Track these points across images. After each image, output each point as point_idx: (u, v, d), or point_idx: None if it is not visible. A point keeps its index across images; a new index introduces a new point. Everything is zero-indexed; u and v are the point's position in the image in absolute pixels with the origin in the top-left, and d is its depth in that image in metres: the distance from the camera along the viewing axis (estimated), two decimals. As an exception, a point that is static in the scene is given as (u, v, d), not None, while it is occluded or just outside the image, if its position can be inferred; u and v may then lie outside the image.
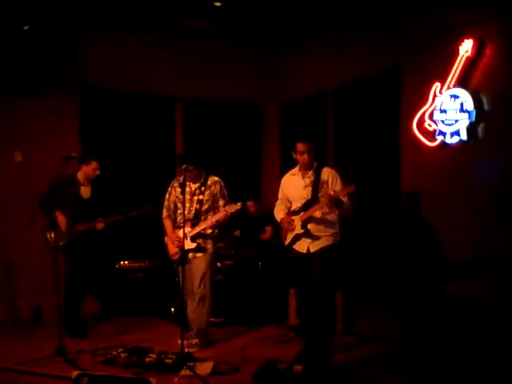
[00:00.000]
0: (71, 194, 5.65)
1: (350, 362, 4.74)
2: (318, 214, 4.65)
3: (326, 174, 4.72)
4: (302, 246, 4.71)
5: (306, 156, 4.71)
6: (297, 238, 4.73)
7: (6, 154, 6.63)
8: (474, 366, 4.56)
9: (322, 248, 4.65)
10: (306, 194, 4.71)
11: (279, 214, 4.92)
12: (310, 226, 4.66)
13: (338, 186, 4.64)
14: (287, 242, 4.80)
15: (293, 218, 4.75)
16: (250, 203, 6.99)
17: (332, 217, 4.70)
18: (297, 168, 4.87)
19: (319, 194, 4.65)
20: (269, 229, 6.73)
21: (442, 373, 4.53)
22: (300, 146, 4.72)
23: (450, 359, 4.80)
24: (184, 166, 5.09)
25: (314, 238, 4.66)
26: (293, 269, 4.83)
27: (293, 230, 4.73)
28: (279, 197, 5.02)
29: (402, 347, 5.13)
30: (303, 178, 4.78)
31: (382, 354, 4.98)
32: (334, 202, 4.48)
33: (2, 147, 6.60)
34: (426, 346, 5.08)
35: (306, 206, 4.68)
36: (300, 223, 4.68)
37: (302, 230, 4.67)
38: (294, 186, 4.84)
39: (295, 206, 4.81)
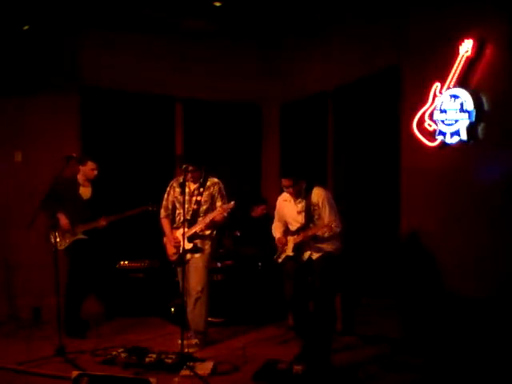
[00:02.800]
0: (70, 195, 5.67)
1: (351, 362, 4.75)
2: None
3: (316, 196, 4.78)
4: (304, 255, 4.81)
5: (290, 190, 4.80)
6: (288, 258, 4.85)
7: (6, 154, 6.63)
8: (475, 365, 4.56)
9: (323, 254, 4.76)
10: (301, 219, 4.81)
11: (276, 232, 5.06)
12: (307, 244, 4.76)
13: (325, 213, 4.72)
14: (280, 260, 4.93)
15: (288, 238, 4.88)
16: (261, 207, 6.98)
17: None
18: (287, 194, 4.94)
19: (314, 218, 4.76)
20: None
21: (443, 372, 4.53)
22: (283, 182, 4.81)
23: (451, 358, 4.80)
24: (184, 165, 5.11)
25: (315, 249, 4.76)
26: (287, 277, 4.88)
27: (285, 250, 4.88)
28: (275, 217, 5.13)
29: (403, 347, 5.13)
30: (295, 203, 4.87)
31: (382, 354, 4.98)
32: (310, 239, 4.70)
33: (1, 147, 6.59)
34: (427, 345, 5.08)
35: (301, 231, 4.80)
36: (292, 246, 4.80)
37: (293, 254, 4.81)
38: (288, 212, 4.95)
39: (292, 227, 4.94)
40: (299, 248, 4.79)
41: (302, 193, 4.83)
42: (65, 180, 5.51)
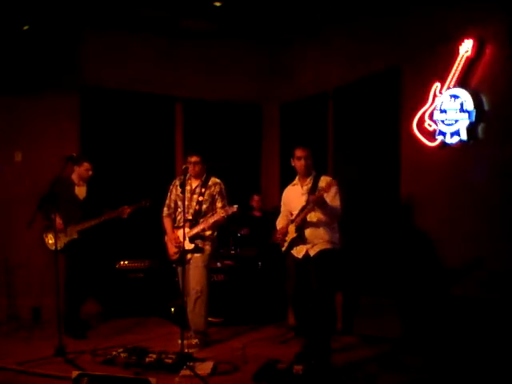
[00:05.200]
0: (66, 194, 5.65)
1: (351, 361, 4.75)
2: (313, 217, 4.67)
3: (323, 181, 4.72)
4: (300, 251, 4.73)
5: (303, 162, 4.75)
6: (292, 243, 4.76)
7: (6, 154, 6.63)
8: (476, 365, 4.56)
9: (321, 251, 4.66)
10: (304, 200, 4.73)
11: (279, 224, 4.99)
12: (307, 232, 4.67)
13: (329, 196, 4.62)
14: (284, 248, 4.84)
15: (289, 227, 4.80)
16: (256, 197, 7.00)
17: (331, 223, 4.71)
18: (297, 178, 4.90)
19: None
20: None
21: (443, 372, 4.53)
22: (298, 152, 4.77)
23: (451, 358, 4.80)
24: (184, 165, 5.14)
25: (312, 243, 4.68)
26: (288, 274, 4.84)
27: (286, 240, 4.79)
28: (281, 210, 5.06)
29: (404, 347, 5.13)
30: (302, 186, 4.82)
31: (382, 354, 4.99)
32: (318, 202, 4.51)
33: (2, 147, 6.59)
34: (427, 345, 5.08)
35: (301, 212, 4.71)
36: (294, 228, 4.72)
37: (296, 234, 4.71)
38: (293, 196, 4.89)
39: (295, 213, 4.83)
40: (292, 244, 4.72)
41: (309, 173, 4.79)
42: (61, 181, 5.48)
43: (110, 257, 6.69)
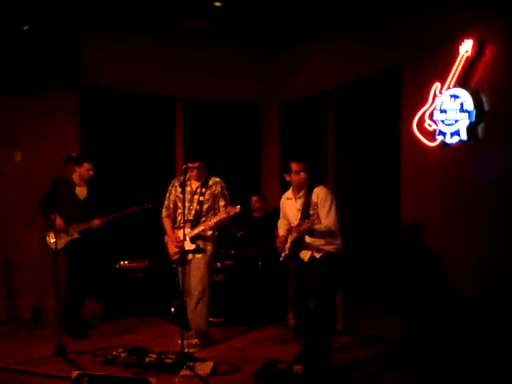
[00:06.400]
0: (67, 195, 5.66)
1: (351, 362, 4.75)
2: (309, 240, 4.67)
3: (316, 195, 4.69)
4: (306, 254, 4.73)
5: (303, 175, 4.71)
6: (288, 257, 4.74)
7: (6, 153, 6.63)
8: (476, 366, 4.56)
9: (327, 253, 4.68)
10: (299, 216, 4.72)
11: (280, 229, 4.99)
12: (310, 239, 4.66)
13: (323, 212, 4.63)
14: (281, 259, 4.79)
15: (289, 237, 4.78)
16: (254, 198, 6.98)
17: (328, 236, 4.71)
18: (290, 191, 4.88)
19: (312, 217, 4.63)
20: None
21: (443, 373, 4.53)
22: (296, 166, 4.72)
23: (452, 359, 4.80)
24: (184, 165, 5.15)
25: (316, 249, 4.68)
26: (290, 275, 4.84)
27: (286, 249, 4.77)
28: (281, 214, 5.05)
29: (404, 347, 5.13)
30: (296, 200, 4.80)
31: (383, 354, 4.99)
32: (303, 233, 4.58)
33: (1, 147, 6.59)
34: (427, 345, 5.08)
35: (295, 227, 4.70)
36: (289, 244, 4.73)
37: (288, 251, 4.71)
38: (289, 210, 4.88)
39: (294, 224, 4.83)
40: (296, 246, 4.72)
41: (305, 185, 4.75)
42: (62, 181, 5.50)
43: (110, 257, 6.69)
